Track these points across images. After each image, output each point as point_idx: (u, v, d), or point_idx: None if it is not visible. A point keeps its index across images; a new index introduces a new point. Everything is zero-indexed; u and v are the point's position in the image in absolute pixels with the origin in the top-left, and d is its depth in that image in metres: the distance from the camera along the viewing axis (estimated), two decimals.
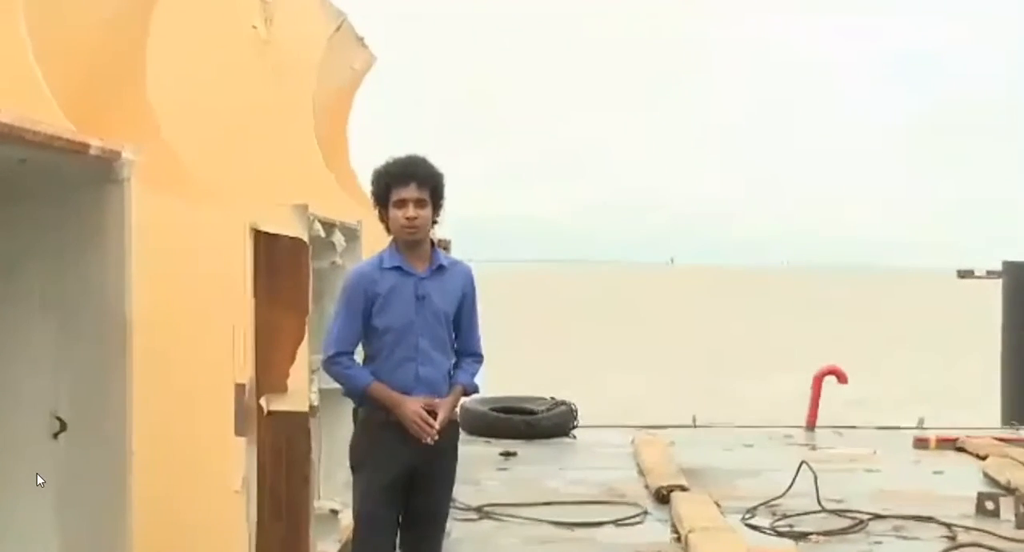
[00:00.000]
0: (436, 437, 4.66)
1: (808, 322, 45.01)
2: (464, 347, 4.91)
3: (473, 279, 4.95)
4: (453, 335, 4.85)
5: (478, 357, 4.94)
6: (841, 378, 12.55)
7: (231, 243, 4.98)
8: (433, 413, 4.67)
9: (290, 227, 5.26)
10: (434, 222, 4.80)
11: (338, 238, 6.24)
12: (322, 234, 5.92)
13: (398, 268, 4.73)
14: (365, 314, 4.72)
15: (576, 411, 11.98)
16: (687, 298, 71.10)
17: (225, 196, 5.08)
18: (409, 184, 4.66)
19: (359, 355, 4.87)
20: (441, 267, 4.79)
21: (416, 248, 4.75)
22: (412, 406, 4.64)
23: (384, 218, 4.79)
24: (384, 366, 4.73)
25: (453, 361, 4.87)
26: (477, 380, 4.95)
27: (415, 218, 4.66)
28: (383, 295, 4.70)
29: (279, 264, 5.27)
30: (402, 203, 4.67)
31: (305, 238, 5.37)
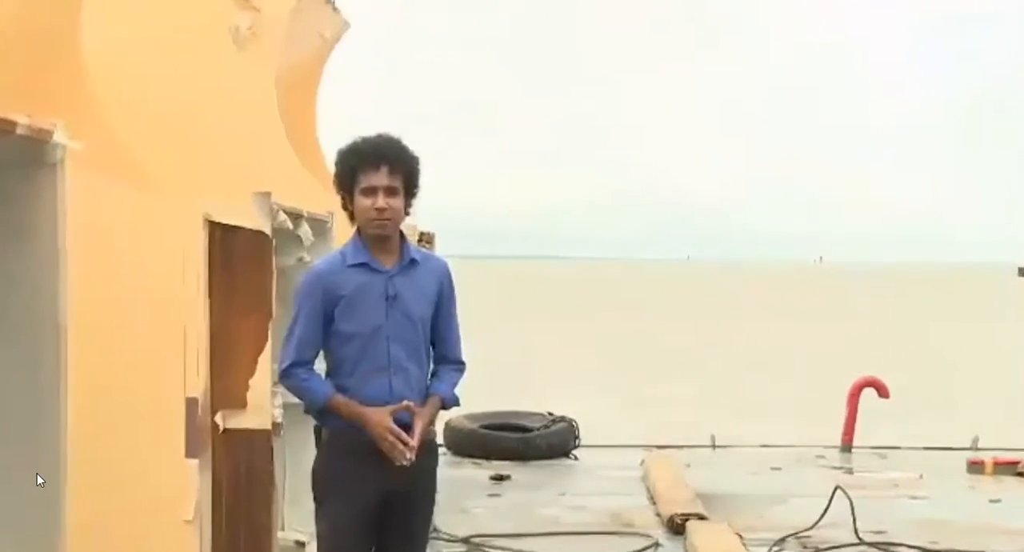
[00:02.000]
0: (413, 457, 4.60)
1: (843, 324, 45.04)
2: (443, 354, 4.85)
3: (451, 275, 4.90)
4: (429, 341, 4.80)
5: (459, 365, 4.89)
6: (882, 391, 12.53)
7: (183, 236, 4.95)
8: (407, 427, 4.61)
9: (250, 218, 5.24)
10: (406, 213, 4.76)
11: (305, 231, 6.23)
12: (288, 226, 5.91)
13: (364, 265, 4.68)
14: (326, 318, 4.66)
15: (577, 428, 11.97)
16: (705, 298, 71.15)
17: (176, 183, 5.05)
18: (379, 169, 4.60)
19: (323, 367, 4.83)
20: (413, 261, 4.72)
21: (385, 241, 4.70)
22: (381, 420, 4.57)
23: (349, 207, 4.72)
24: (350, 380, 4.66)
25: (430, 373, 4.82)
26: (457, 392, 4.90)
27: (385, 209, 4.62)
28: (347, 296, 4.63)
29: (238, 260, 5.25)
30: (371, 191, 4.60)
31: (268, 231, 5.35)
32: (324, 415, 4.72)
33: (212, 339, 5.05)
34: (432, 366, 4.83)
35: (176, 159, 5.35)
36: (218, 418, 5.13)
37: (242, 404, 5.25)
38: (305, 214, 6.20)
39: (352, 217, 4.72)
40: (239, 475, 5.32)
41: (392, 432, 4.56)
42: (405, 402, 4.62)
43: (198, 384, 4.92)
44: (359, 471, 4.63)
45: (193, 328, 4.95)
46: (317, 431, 4.80)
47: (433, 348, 4.82)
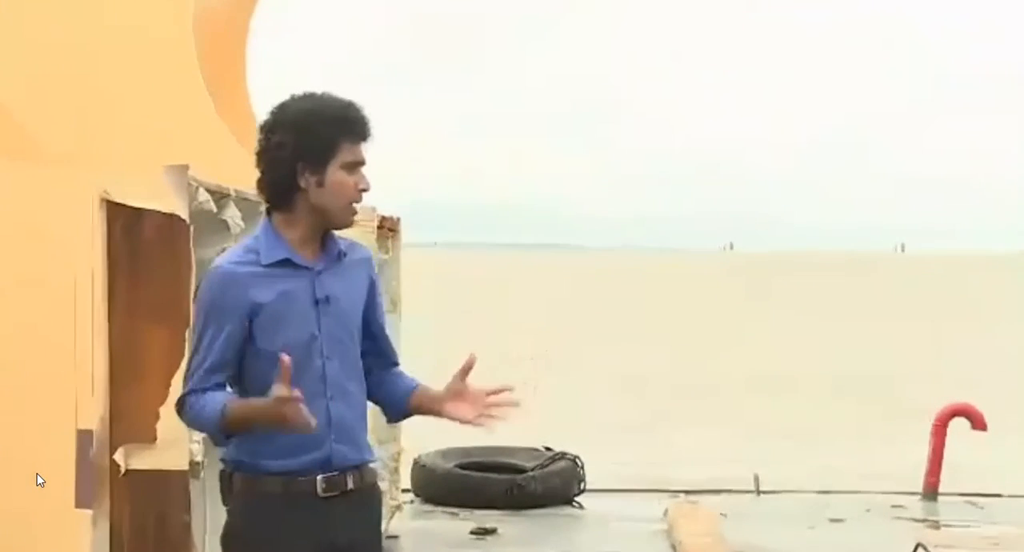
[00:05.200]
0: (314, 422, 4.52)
1: (929, 331, 45.15)
2: (385, 358, 4.92)
3: (374, 266, 5.00)
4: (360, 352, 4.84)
5: (400, 368, 4.99)
6: (976, 421, 12.55)
7: (74, 220, 4.98)
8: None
9: (162, 198, 5.26)
10: None
11: (233, 214, 6.25)
12: (210, 208, 5.92)
13: (285, 261, 4.67)
14: (239, 334, 4.62)
15: (583, 467, 12.00)
16: (750, 296, 71.32)
17: (67, 152, 5.09)
18: (358, 142, 4.69)
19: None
20: (340, 253, 4.76)
21: (317, 230, 4.71)
22: (279, 391, 4.34)
23: (298, 183, 4.70)
24: None
25: (365, 393, 4.84)
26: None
27: (367, 188, 4.76)
28: (267, 305, 4.60)
29: (145, 252, 5.28)
30: (354, 166, 4.67)
31: (184, 214, 5.37)
32: (230, 434, 4.65)
33: (112, 353, 5.08)
34: (368, 375, 4.85)
35: (67, 123, 5.38)
36: (119, 456, 5.16)
37: (151, 438, 5.26)
38: (232, 193, 6.22)
39: (288, 196, 4.68)
40: (146, 529, 5.35)
41: (288, 398, 4.42)
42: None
43: (93, 411, 4.94)
44: (287, 527, 4.63)
45: (87, 339, 4.97)
46: (226, 479, 4.74)
47: (364, 353, 4.85)
